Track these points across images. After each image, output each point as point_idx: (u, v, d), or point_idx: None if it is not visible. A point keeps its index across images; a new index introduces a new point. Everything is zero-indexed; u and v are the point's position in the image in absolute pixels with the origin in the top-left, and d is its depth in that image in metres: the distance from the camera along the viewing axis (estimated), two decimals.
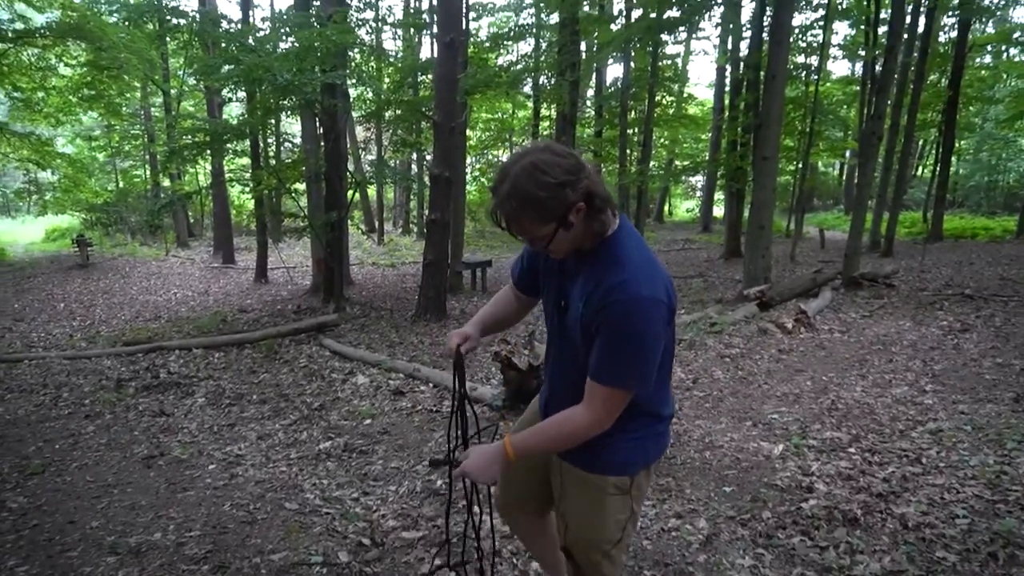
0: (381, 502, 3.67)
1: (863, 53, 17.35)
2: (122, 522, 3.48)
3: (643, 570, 2.80)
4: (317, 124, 11.47)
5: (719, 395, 5.32)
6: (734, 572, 2.74)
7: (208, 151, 11.63)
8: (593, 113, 22.72)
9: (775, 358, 6.33)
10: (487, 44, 16.18)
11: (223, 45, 10.89)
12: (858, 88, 20.16)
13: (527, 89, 18.80)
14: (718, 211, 28.17)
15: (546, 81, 17.84)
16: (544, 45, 18.09)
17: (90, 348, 8.49)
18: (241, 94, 13.28)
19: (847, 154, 25.44)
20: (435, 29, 10.64)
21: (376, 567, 2.92)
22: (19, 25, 15.89)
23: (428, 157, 18.39)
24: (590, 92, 24.72)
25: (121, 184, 26.06)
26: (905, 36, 13.37)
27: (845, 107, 23.73)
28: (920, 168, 29.83)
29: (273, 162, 15.79)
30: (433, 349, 7.54)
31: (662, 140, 28.27)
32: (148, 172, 24.70)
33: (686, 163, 21.47)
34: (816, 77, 16.32)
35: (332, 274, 10.74)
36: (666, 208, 34.72)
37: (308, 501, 3.69)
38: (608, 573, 1.89)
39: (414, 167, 23.34)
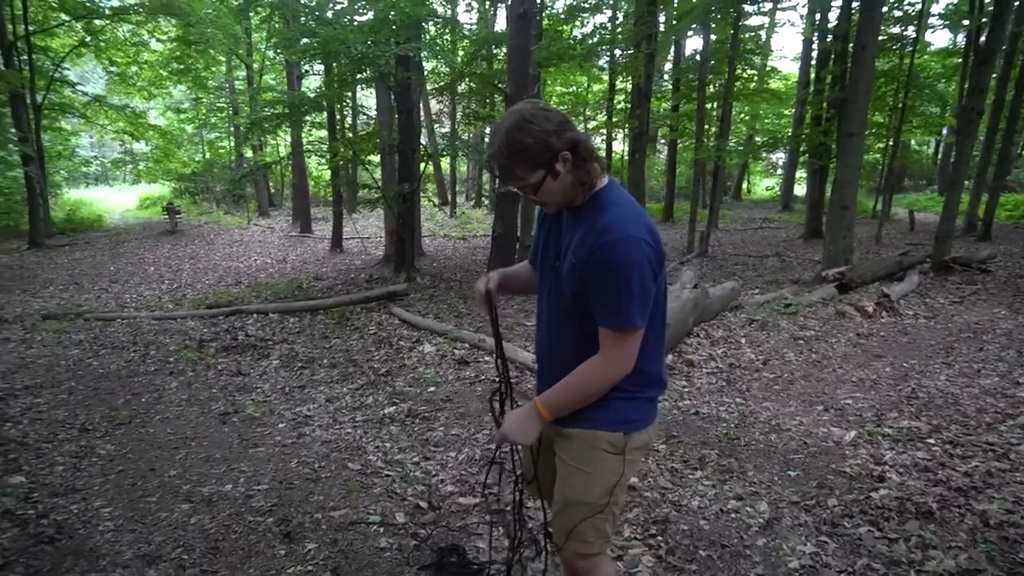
0: (440, 467, 3.72)
1: (967, 23, 16.15)
2: (197, 472, 3.66)
3: (698, 550, 2.74)
4: (391, 96, 11.60)
5: (790, 378, 5.14)
6: (794, 558, 2.65)
7: (287, 123, 11.94)
8: (670, 87, 22.14)
9: (852, 342, 6.06)
10: (562, 16, 15.92)
11: (302, 19, 11.13)
12: (959, 60, 18.81)
13: (602, 62, 18.46)
14: (799, 190, 27.07)
15: (622, 53, 17.46)
16: (621, 16, 17.67)
17: (176, 310, 8.94)
18: (318, 67, 13.59)
19: (943, 131, 23.86)
20: (509, 1, 10.53)
21: (431, 530, 2.98)
22: (115, 3, 16.67)
23: (490, 139, 18.26)
24: (667, 65, 24.05)
25: (207, 155, 27.22)
26: (1016, 3, 12.34)
27: (943, 81, 22.21)
28: None
29: (349, 134, 16.10)
30: (499, 321, 7.56)
31: (742, 115, 27.26)
32: (232, 143, 25.67)
33: (766, 139, 20.60)
34: (912, 48, 15.34)
35: (404, 245, 10.92)
36: (744, 186, 33.60)
37: (370, 463, 3.79)
38: (591, 542, 1.84)
39: (487, 140, 23.35)
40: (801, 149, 18.16)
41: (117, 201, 25.68)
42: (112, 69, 19.58)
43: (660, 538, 2.85)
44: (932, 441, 3.76)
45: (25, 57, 16.13)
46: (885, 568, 2.56)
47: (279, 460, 3.81)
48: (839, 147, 9.88)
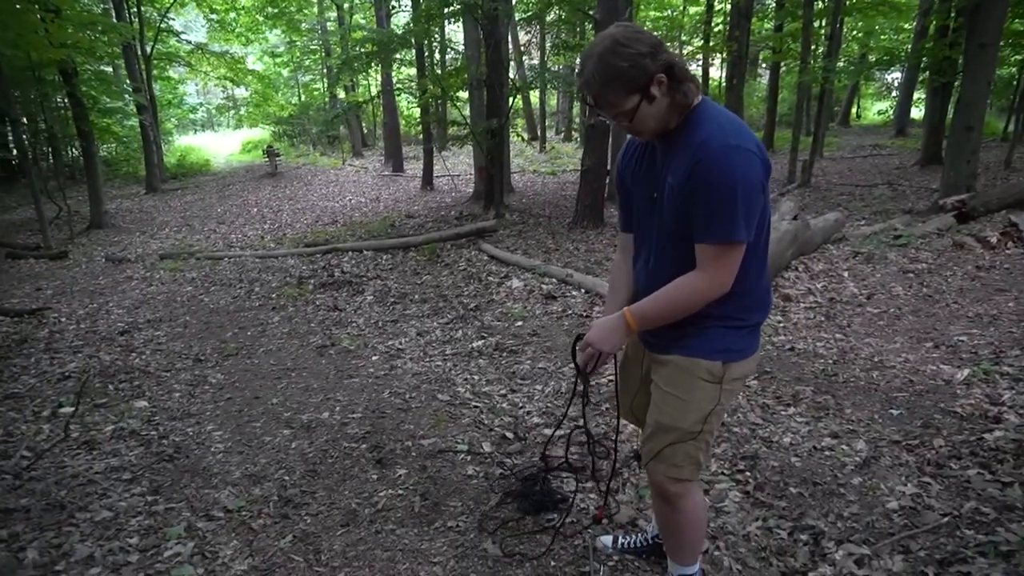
0: (527, 400, 3.77)
1: None
2: (297, 401, 3.88)
3: (788, 487, 2.66)
4: (479, 29, 11.39)
5: (896, 313, 4.83)
6: (892, 498, 2.53)
7: (376, 61, 12.01)
8: (773, 4, 20.60)
9: (971, 275, 5.60)
10: None
11: None
12: None
13: None
14: (916, 113, 24.90)
15: None
16: None
17: (277, 248, 9.37)
18: (406, 2, 13.48)
19: None
20: None
21: (517, 459, 3.03)
22: None
23: (582, 66, 17.69)
24: None
25: (303, 97, 27.94)
26: None
27: None
28: None
29: (437, 71, 16.02)
30: (588, 256, 7.50)
31: (855, 32, 25.09)
32: (325, 85, 26.16)
33: (882, 56, 18.90)
34: None
35: (493, 181, 10.90)
36: (854, 111, 31.23)
37: (459, 394, 3.88)
38: (683, 466, 1.81)
39: (576, 70, 22.69)
40: (922, 65, 16.60)
41: (222, 146, 26.92)
42: (212, 17, 20.24)
43: (748, 474, 2.78)
44: None
45: (135, 9, 16.88)
46: (996, 512, 2.40)
47: (372, 390, 3.96)
48: (967, 60, 8.92)
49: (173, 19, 19.95)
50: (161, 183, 17.17)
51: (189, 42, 20.27)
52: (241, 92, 27.14)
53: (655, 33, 1.77)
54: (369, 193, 15.49)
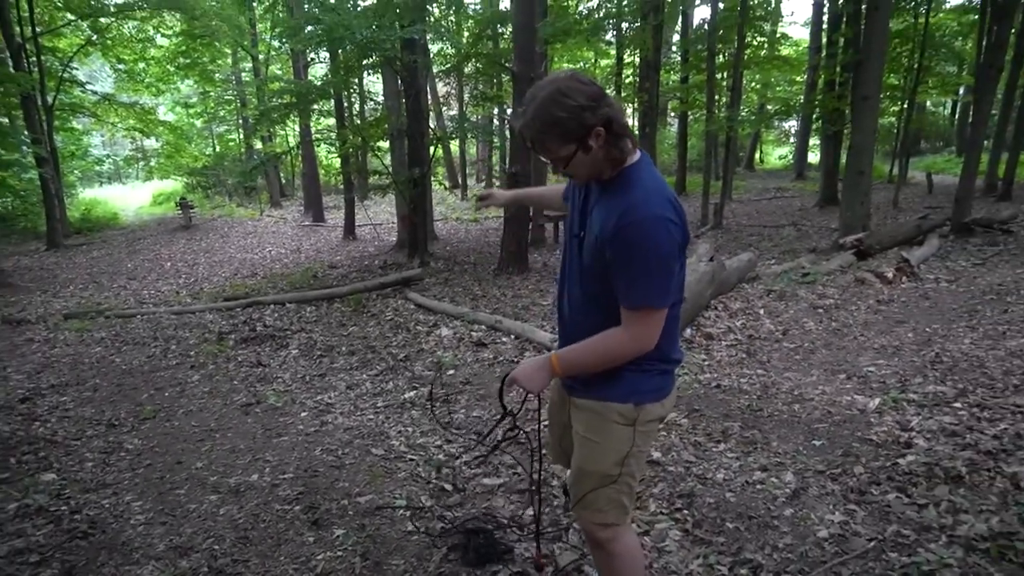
0: (463, 449, 3.73)
1: None
2: (223, 464, 3.70)
3: (725, 522, 2.73)
4: (398, 81, 11.52)
5: (810, 347, 5.09)
6: (822, 527, 2.64)
7: (295, 112, 11.93)
8: (679, 58, 21.81)
9: (873, 309, 5.99)
10: None
11: (306, 6, 11.05)
12: (976, 16, 18.35)
13: (609, 36, 18.22)
14: (813, 157, 26.67)
15: (629, 26, 17.22)
16: None
17: (194, 304, 9.00)
18: (324, 54, 13.52)
19: (960, 91, 23.36)
20: None
21: (457, 512, 2.99)
22: (120, 0, 16.66)
23: (509, 110, 18.22)
24: (675, 36, 23.71)
25: (217, 148, 27.31)
26: None
27: (960, 39, 21.68)
28: None
29: (357, 121, 16.05)
30: (515, 301, 7.57)
31: (753, 84, 26.85)
32: (241, 135, 25.71)
33: (779, 107, 20.28)
34: (927, 6, 14.97)
35: (416, 230, 10.91)
36: (757, 156, 33.14)
37: (393, 448, 3.80)
38: (606, 512, 1.85)
39: (495, 121, 23.20)
40: (814, 115, 17.88)
41: (131, 198, 25.86)
42: (119, 67, 19.64)
43: (686, 512, 2.84)
44: (959, 405, 3.71)
45: (34, 59, 16.19)
46: (916, 534, 2.54)
47: (303, 448, 3.83)
48: (853, 111, 9.69)
49: (77, 68, 19.23)
50: (64, 238, 16.27)
51: (95, 92, 19.55)
52: (151, 143, 26.29)
53: None
54: (289, 244, 15.18)
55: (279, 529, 2.90)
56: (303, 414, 4.49)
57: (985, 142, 12.66)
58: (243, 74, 24.00)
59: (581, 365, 1.77)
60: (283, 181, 26.98)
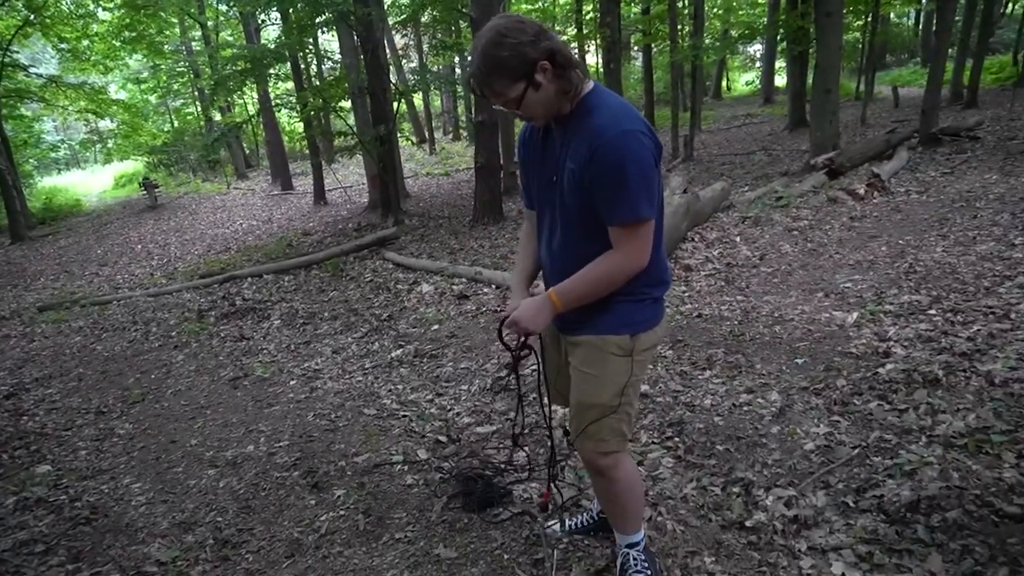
0: (454, 401, 3.78)
1: None
2: (217, 438, 3.72)
3: (715, 445, 2.81)
4: (354, 37, 11.20)
5: (788, 269, 5.16)
6: (808, 440, 2.72)
7: (251, 78, 11.60)
8: None
9: (847, 226, 6.06)
10: None
11: None
12: None
13: None
14: (780, 81, 26.52)
15: None
16: None
17: (170, 284, 8.91)
18: (275, 15, 13.08)
19: (923, 0, 23.20)
20: None
21: (454, 461, 3.04)
22: None
23: (470, 58, 17.79)
24: None
25: (175, 123, 26.57)
26: None
27: None
28: (1011, 5, 26.95)
29: (316, 82, 15.65)
30: (493, 251, 7.56)
31: (715, 9, 26.45)
32: (199, 108, 25.00)
33: (743, 31, 20.03)
34: None
35: (387, 189, 10.79)
36: (724, 84, 32.90)
37: (385, 406, 3.84)
38: (608, 440, 1.90)
39: (457, 70, 22.74)
40: (779, 36, 17.70)
41: (92, 183, 25.25)
42: (62, 46, 18.86)
43: (677, 439, 2.91)
44: (933, 312, 3.80)
45: None
46: (897, 438, 2.63)
47: (295, 416, 3.86)
48: (817, 29, 9.60)
49: (18, 52, 18.46)
50: (28, 230, 15.91)
51: (40, 75, 18.82)
52: (106, 124, 25.50)
53: None
54: (260, 215, 14.98)
55: (280, 496, 2.94)
56: (292, 382, 4.51)
57: (949, 50, 12.64)
58: (193, 43, 23.16)
59: (580, 295, 1.77)
60: (247, 151, 26.42)
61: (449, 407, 3.71)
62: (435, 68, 21.15)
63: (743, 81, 36.69)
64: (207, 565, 2.50)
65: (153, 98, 26.24)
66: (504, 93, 1.66)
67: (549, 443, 2.25)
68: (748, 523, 2.29)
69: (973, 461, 2.38)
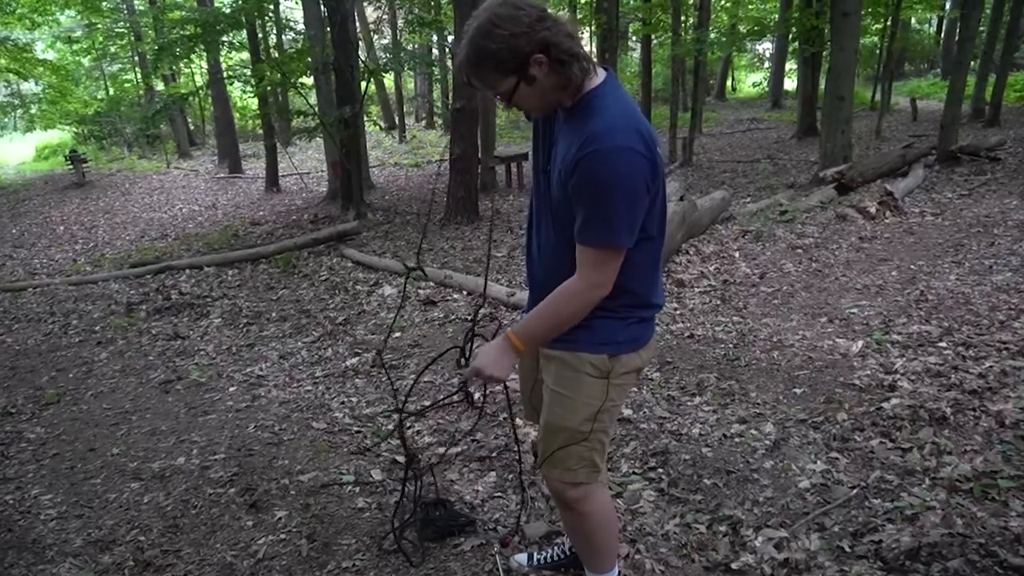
0: (415, 418, 3.78)
1: None
2: (143, 448, 3.67)
3: (702, 479, 2.85)
4: (320, 6, 11.19)
5: (790, 290, 5.26)
6: (804, 477, 2.78)
7: (201, 45, 11.52)
8: None
9: (855, 247, 6.20)
10: None
11: None
12: None
13: None
14: (790, 84, 27.00)
15: None
16: None
17: (96, 272, 8.78)
18: None
19: (946, 6, 23.85)
20: None
21: (411, 485, 3.04)
22: None
23: (450, 37, 17.89)
24: None
25: (111, 91, 26.15)
26: None
27: None
28: None
29: (275, 54, 15.56)
30: (465, 254, 7.58)
31: (723, 2, 26.87)
32: (139, 76, 24.67)
33: (752, 26, 20.39)
34: None
35: (350, 178, 10.76)
36: (728, 84, 33.42)
37: (337, 420, 3.83)
38: (575, 470, 1.89)
39: (435, 50, 22.79)
40: (791, 36, 18.05)
41: (10, 153, 24.82)
42: None
43: (661, 471, 2.95)
44: (944, 344, 3.91)
45: None
46: (899, 479, 2.69)
47: (234, 426, 3.83)
48: (833, 30, 9.83)
49: None
50: None
51: None
52: (30, 87, 25.03)
53: None
54: (203, 199, 14.85)
55: (213, 515, 2.92)
56: (231, 389, 4.47)
57: (972, 64, 13.00)
58: (136, 2, 22.90)
59: (542, 333, 1.79)
60: (192, 127, 26.13)
61: (409, 424, 3.71)
62: (410, 46, 21.18)
63: (750, 82, 37.25)
64: None
65: (86, 61, 25.82)
66: (495, 86, 1.68)
67: (519, 471, 2.26)
68: (734, 565, 2.33)
69: (978, 507, 2.45)
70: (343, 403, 4.09)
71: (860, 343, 4.06)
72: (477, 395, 2.04)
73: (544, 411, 1.93)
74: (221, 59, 16.14)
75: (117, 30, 23.51)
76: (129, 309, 6.66)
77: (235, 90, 19.10)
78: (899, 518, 2.46)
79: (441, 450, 3.35)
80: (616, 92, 1.71)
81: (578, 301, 1.72)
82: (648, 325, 1.89)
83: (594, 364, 1.81)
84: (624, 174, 1.59)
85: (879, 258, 5.84)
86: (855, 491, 2.66)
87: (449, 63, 15.02)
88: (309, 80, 12.97)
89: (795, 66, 23.37)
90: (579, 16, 19.42)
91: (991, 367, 3.53)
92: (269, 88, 12.94)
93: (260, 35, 15.02)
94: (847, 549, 2.35)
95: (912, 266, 5.51)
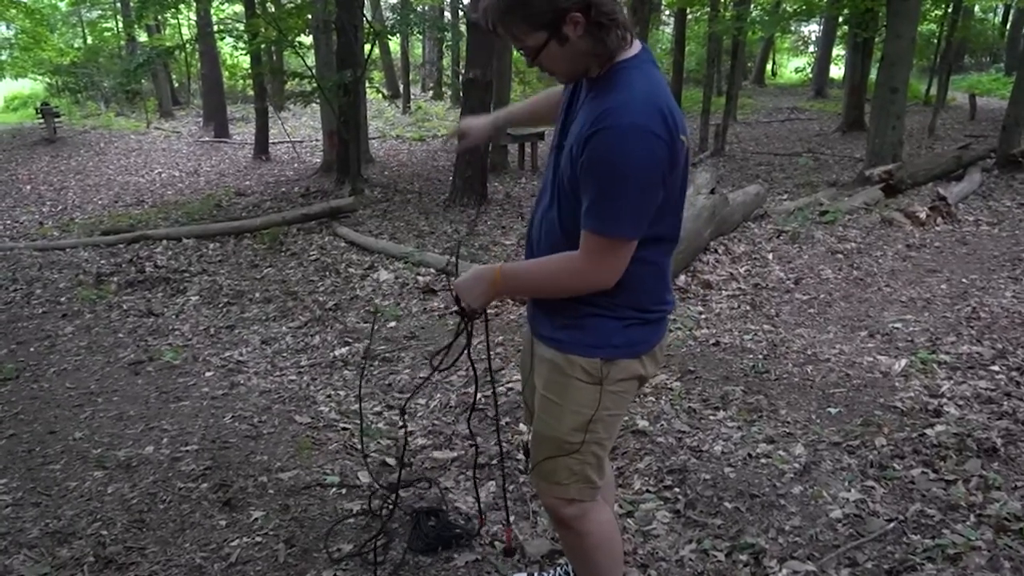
0: (408, 417, 3.78)
1: None
2: (109, 433, 3.68)
3: (723, 501, 2.84)
4: None
5: (827, 299, 5.24)
6: (835, 506, 2.76)
7: None
8: None
9: (902, 255, 6.17)
10: None
11: None
12: None
13: None
14: (836, 71, 26.92)
15: None
16: None
17: (64, 238, 8.80)
18: None
19: None
20: None
21: (402, 490, 3.04)
22: None
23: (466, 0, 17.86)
24: None
25: (89, 40, 26.19)
26: None
27: None
28: None
29: (271, 8, 15.54)
30: (471, 240, 7.57)
31: None
32: (120, 24, 24.68)
33: (798, 5, 20.30)
34: None
35: (347, 149, 10.75)
36: (769, 67, 33.32)
37: (322, 414, 3.83)
38: (566, 485, 1.87)
39: (447, 13, 22.74)
40: (841, 18, 17.96)
41: None
42: None
43: (677, 490, 2.94)
44: (996, 368, 3.88)
45: None
46: (941, 514, 2.68)
47: (209, 415, 3.83)
48: (889, 14, 9.77)
49: None
50: None
51: None
52: (1, 31, 25.06)
53: None
54: (185, 164, 14.88)
55: (182, 511, 2.92)
56: (208, 374, 4.48)
57: None
58: None
59: (527, 284, 1.83)
60: (176, 85, 26.16)
61: (401, 424, 3.71)
62: (420, 8, 21.14)
63: (792, 67, 37.16)
64: None
65: (63, 5, 25.87)
66: (521, 39, 1.65)
67: (501, 470, 2.23)
68: None
69: None
70: (330, 396, 4.09)
71: (903, 361, 4.03)
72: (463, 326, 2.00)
73: (535, 419, 1.93)
74: (212, 11, 16.13)
75: None
76: (99, 280, 6.68)
77: (225, 46, 19.11)
78: (940, 557, 2.44)
79: (437, 454, 3.35)
80: (647, 67, 1.69)
81: (577, 281, 1.71)
82: (654, 328, 1.85)
83: (585, 368, 1.78)
84: (637, 156, 1.56)
85: (928, 269, 5.81)
86: (892, 525, 2.64)
87: (463, 27, 14.96)
88: (308, 39, 12.99)
89: (843, 52, 23.29)
90: None
91: None
92: (263, 46, 12.93)
93: None
94: None
95: (964, 280, 5.48)
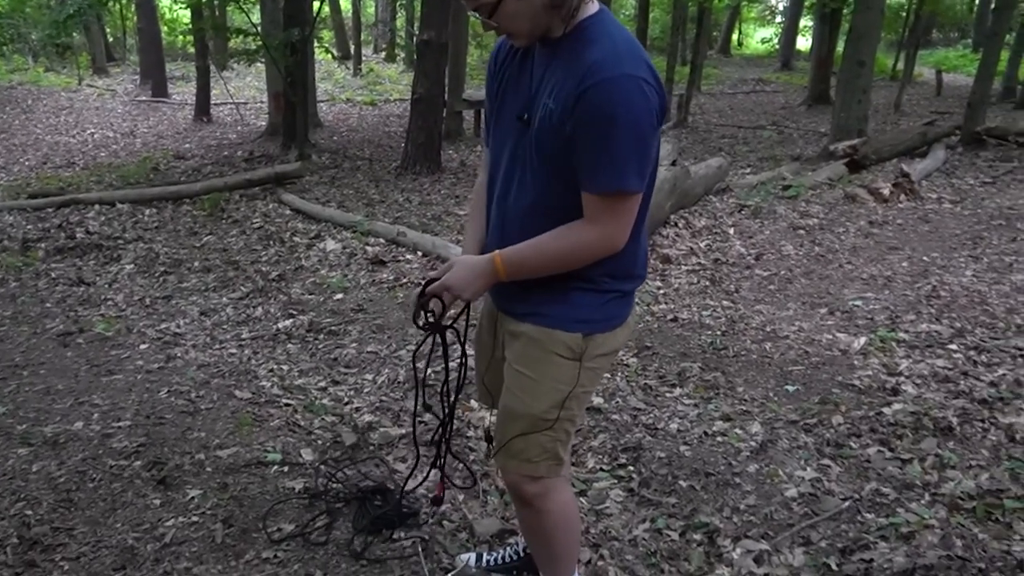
0: (354, 393, 3.76)
1: None
2: (35, 408, 3.59)
3: (677, 480, 2.88)
4: None
5: (788, 275, 5.33)
6: (791, 485, 2.82)
7: None
8: None
9: (864, 232, 6.30)
10: None
11: None
12: None
13: None
14: (803, 43, 27.19)
15: None
16: None
17: None
18: None
19: None
20: None
21: (347, 468, 3.02)
22: None
23: None
24: None
25: None
26: None
27: None
28: None
29: None
30: (423, 210, 7.54)
31: None
32: None
33: None
34: None
35: (294, 112, 10.58)
36: (734, 38, 33.52)
37: (264, 389, 3.79)
38: (537, 463, 1.87)
39: None
40: None
41: None
42: None
43: (632, 468, 2.98)
44: (954, 347, 3.99)
45: None
46: (896, 492, 2.75)
47: (143, 390, 3.77)
48: None
49: None
50: None
51: None
52: None
53: None
54: (120, 125, 14.54)
55: (114, 490, 2.87)
56: (143, 346, 4.40)
57: (1007, 36, 13.17)
58: None
59: (533, 267, 1.76)
60: (111, 39, 25.43)
61: (347, 399, 3.70)
62: None
63: (758, 38, 37.44)
64: (6, 571, 2.43)
65: None
66: None
67: (443, 409, 2.14)
68: None
69: (980, 528, 2.52)
70: (272, 371, 4.04)
71: (862, 339, 4.12)
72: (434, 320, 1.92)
73: (504, 394, 1.90)
74: None
75: None
76: (25, 246, 6.51)
77: (165, 0, 18.64)
78: (893, 536, 2.51)
79: (385, 430, 3.34)
80: (613, 22, 1.68)
81: (587, 250, 1.70)
82: (627, 301, 1.88)
83: (567, 344, 1.79)
84: (635, 105, 1.56)
85: (889, 246, 5.93)
86: (847, 503, 2.71)
87: None
88: None
89: (811, 23, 23.52)
90: None
91: (1004, 375, 3.62)
92: (205, 1, 12.62)
93: None
94: (834, 567, 2.40)
95: (925, 257, 5.60)
